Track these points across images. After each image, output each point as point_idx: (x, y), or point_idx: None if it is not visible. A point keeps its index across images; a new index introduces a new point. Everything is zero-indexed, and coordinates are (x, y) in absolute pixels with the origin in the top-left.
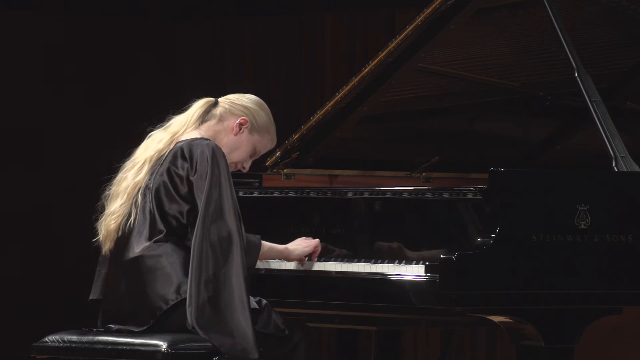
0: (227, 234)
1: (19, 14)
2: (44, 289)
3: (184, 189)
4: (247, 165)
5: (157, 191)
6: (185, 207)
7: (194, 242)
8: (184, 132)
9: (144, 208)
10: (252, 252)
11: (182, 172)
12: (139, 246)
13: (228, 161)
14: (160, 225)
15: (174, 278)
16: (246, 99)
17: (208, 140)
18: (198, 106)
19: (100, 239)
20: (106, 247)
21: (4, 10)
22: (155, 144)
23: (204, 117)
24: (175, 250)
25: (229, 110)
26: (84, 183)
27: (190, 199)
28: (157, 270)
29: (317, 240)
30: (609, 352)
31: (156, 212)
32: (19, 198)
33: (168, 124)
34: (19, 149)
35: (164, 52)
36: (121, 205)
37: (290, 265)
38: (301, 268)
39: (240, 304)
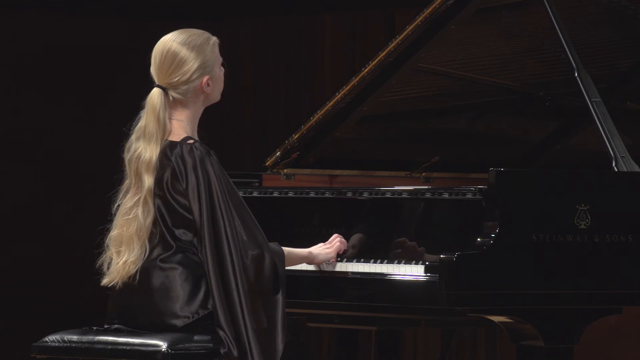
0: (218, 258)
1: (17, 13)
2: (44, 289)
3: (182, 201)
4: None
5: (159, 208)
6: (188, 219)
7: (210, 273)
8: (163, 136)
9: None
10: (279, 262)
11: (177, 186)
12: (147, 259)
13: (215, 100)
14: (169, 240)
15: (181, 299)
16: (188, 60)
17: (190, 146)
18: (159, 102)
19: (118, 282)
20: (119, 284)
21: (2, 9)
22: (145, 165)
23: (168, 108)
24: (181, 265)
25: (186, 88)
26: (84, 183)
27: (189, 211)
28: (163, 289)
29: (337, 244)
30: (609, 352)
31: (163, 228)
32: (20, 198)
33: (143, 133)
34: (19, 148)
35: None
36: (140, 249)
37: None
38: (300, 268)
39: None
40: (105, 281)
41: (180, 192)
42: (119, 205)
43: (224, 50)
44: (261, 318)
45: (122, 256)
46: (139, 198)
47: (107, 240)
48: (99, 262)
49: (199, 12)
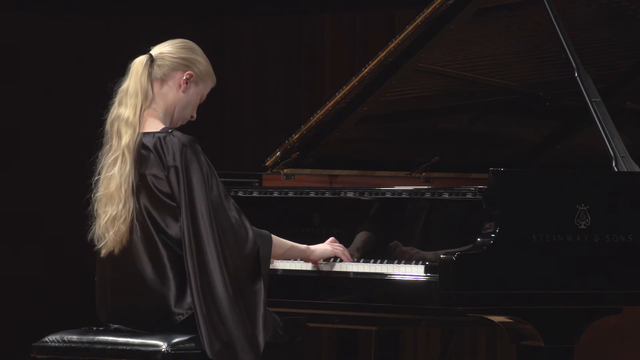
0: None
1: (16, 13)
2: (44, 289)
3: (166, 190)
4: (195, 114)
5: (145, 204)
6: (173, 207)
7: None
8: (144, 99)
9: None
10: (265, 247)
11: (159, 175)
12: (137, 255)
13: (180, 120)
14: (155, 235)
15: (172, 296)
16: (181, 49)
17: (167, 134)
18: (142, 67)
19: (109, 244)
20: (117, 250)
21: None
22: (124, 123)
23: (150, 81)
24: (170, 261)
25: (170, 67)
26: (79, 182)
27: (173, 199)
28: (154, 287)
29: (339, 248)
30: (609, 352)
31: (149, 222)
32: (17, 198)
33: (125, 94)
34: (18, 147)
35: None
36: (124, 206)
37: (289, 265)
38: (300, 267)
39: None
40: (104, 252)
41: (162, 180)
42: (100, 172)
43: (224, 50)
44: (241, 307)
45: (108, 214)
46: (117, 155)
47: (95, 206)
48: (90, 234)
49: (199, 12)
